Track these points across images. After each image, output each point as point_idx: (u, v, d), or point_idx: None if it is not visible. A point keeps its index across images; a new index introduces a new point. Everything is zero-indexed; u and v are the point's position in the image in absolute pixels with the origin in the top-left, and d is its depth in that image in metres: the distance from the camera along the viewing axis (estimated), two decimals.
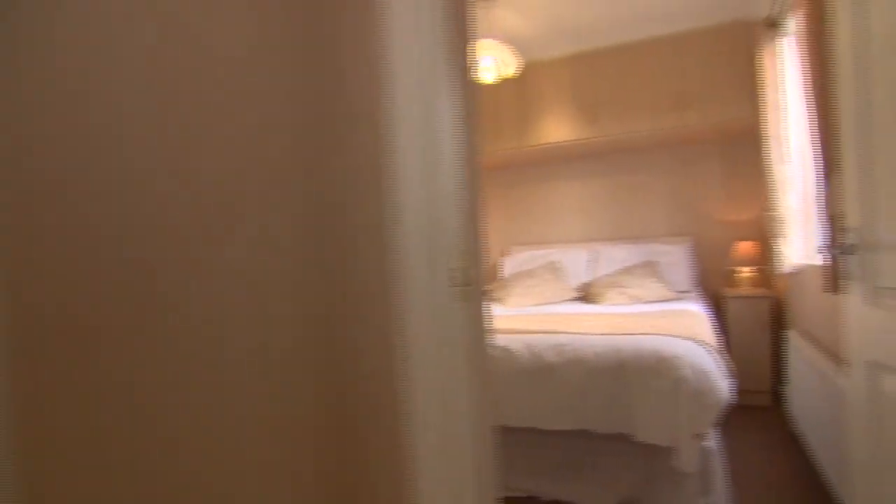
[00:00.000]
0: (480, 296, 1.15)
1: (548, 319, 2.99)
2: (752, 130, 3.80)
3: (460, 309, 1.01)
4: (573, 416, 2.26)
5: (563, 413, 2.28)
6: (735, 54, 3.66)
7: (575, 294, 4.01)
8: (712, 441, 2.18)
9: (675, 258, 4.02)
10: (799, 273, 2.98)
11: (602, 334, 2.40)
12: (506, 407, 2.35)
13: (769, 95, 2.95)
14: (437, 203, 0.94)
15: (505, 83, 4.35)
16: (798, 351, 2.78)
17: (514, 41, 3.96)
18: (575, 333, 2.44)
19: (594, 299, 3.76)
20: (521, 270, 4.30)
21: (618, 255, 4.17)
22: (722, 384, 2.09)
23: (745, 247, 3.83)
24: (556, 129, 4.19)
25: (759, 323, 3.57)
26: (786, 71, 2.99)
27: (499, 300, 3.99)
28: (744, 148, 4.05)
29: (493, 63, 3.48)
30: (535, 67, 4.27)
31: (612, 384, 2.18)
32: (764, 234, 3.92)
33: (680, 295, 3.71)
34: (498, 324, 2.92)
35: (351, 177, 0.99)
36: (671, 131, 3.90)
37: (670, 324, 2.55)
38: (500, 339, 2.45)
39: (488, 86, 4.40)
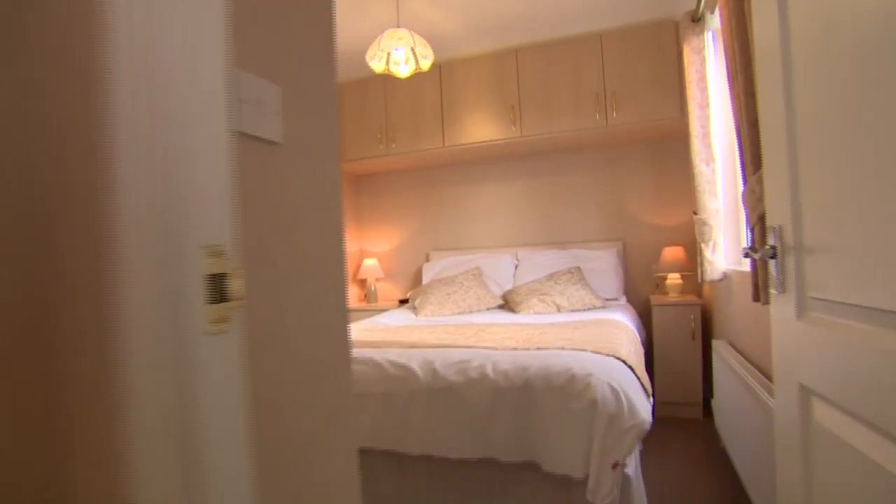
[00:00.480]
0: (243, 320, 0.76)
1: (456, 331, 2.68)
2: (680, 131, 3.64)
3: (217, 342, 0.66)
4: (478, 442, 1.94)
5: (467, 440, 1.96)
6: (661, 52, 3.49)
7: (498, 302, 3.74)
8: (631, 467, 1.92)
9: (603, 264, 3.81)
10: (725, 280, 2.80)
11: (511, 349, 2.10)
12: (403, 432, 2.01)
13: (694, 93, 2.76)
14: (178, 171, 0.60)
15: (424, 81, 4.05)
16: (725, 363, 2.58)
17: (432, 37, 3.66)
18: (481, 348, 2.14)
19: (515, 308, 3.49)
20: (443, 277, 4.00)
21: (543, 261, 3.92)
22: (643, 406, 1.83)
23: (674, 252, 3.66)
24: (478, 129, 3.92)
25: (688, 332, 3.38)
26: (709, 67, 2.82)
27: (414, 309, 3.67)
28: (673, 149, 3.89)
29: (407, 54, 3.17)
30: (456, 65, 3.99)
31: (520, 407, 1.88)
32: (694, 239, 3.76)
33: (606, 303, 3.49)
34: (399, 336, 2.59)
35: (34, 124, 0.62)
36: (596, 132, 3.69)
37: (588, 336, 2.29)
38: (395, 355, 2.13)
39: (406, 82, 4.10)
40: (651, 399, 1.95)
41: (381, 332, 2.78)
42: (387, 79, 4.14)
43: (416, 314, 3.59)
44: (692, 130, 2.75)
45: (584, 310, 3.36)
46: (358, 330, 2.93)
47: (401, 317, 3.52)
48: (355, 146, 4.27)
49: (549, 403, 1.83)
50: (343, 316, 1.13)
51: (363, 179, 4.86)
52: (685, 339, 3.38)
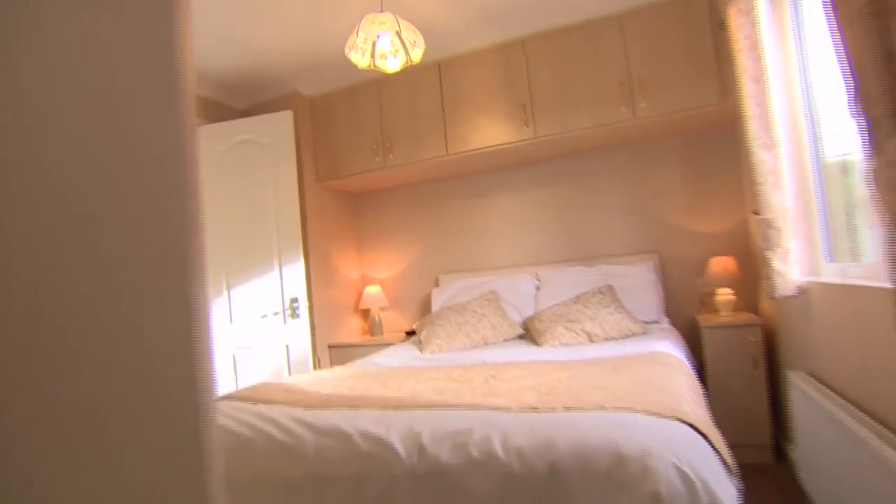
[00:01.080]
0: None
1: (462, 376, 2.06)
2: (722, 118, 3.00)
3: None
4: None
5: None
6: (692, 29, 2.87)
7: (517, 331, 3.11)
8: None
9: (638, 280, 3.17)
10: (803, 294, 2.14)
11: (529, 409, 1.48)
12: None
13: (746, 64, 2.15)
14: None
15: (421, 82, 3.50)
16: (811, 402, 1.91)
17: (427, 32, 3.12)
18: (487, 409, 1.52)
19: (537, 338, 2.85)
20: (454, 303, 3.40)
21: (568, 281, 3.29)
22: (728, 496, 1.19)
23: (722, 263, 2.99)
24: (486, 133, 3.34)
25: (748, 359, 2.71)
26: (763, 30, 2.19)
27: (419, 344, 3.07)
28: (713, 142, 3.24)
29: (393, 43, 2.62)
30: (456, 62, 3.43)
31: (543, 502, 1.26)
32: (746, 247, 3.10)
33: (646, 328, 2.83)
34: (390, 386, 1.98)
35: None
36: (622, 127, 3.07)
37: (634, 383, 1.65)
38: (372, 421, 1.52)
39: (401, 85, 3.56)
40: (736, 478, 1.31)
41: (367, 380, 2.18)
42: (380, 83, 3.60)
43: (420, 350, 2.98)
44: (746, 111, 2.12)
45: (620, 337, 2.71)
46: (342, 376, 2.34)
47: (402, 354, 2.92)
48: (349, 161, 3.72)
49: (587, 498, 1.20)
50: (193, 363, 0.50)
51: (361, 198, 4.31)
52: (744, 367, 2.71)
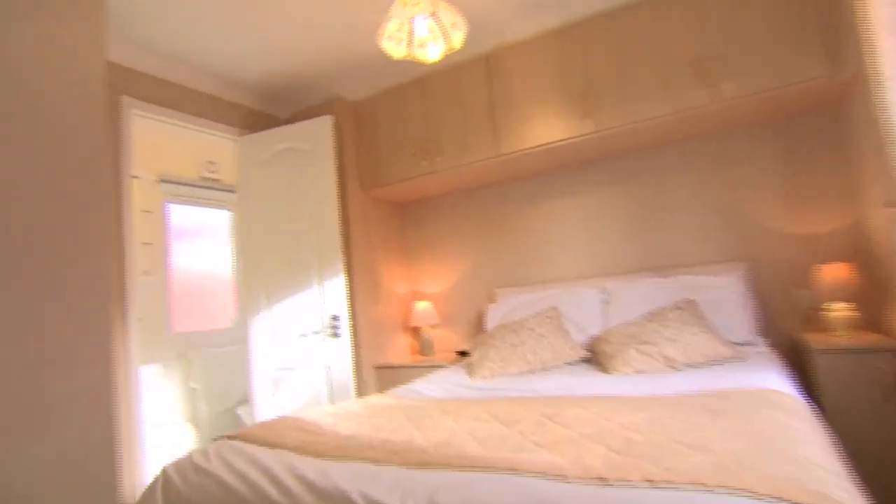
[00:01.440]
0: None
1: (511, 414, 1.63)
2: (824, 96, 2.46)
3: None
4: None
5: None
6: None
7: (581, 354, 2.65)
8: None
9: (725, 293, 2.63)
10: None
11: (593, 481, 1.05)
12: None
13: (881, 13, 1.64)
14: None
15: (469, 77, 3.14)
16: None
17: (474, 22, 2.78)
18: (533, 475, 1.10)
19: (606, 364, 2.39)
20: (510, 321, 2.98)
21: (641, 295, 2.80)
22: None
23: (834, 271, 2.43)
24: (540, 130, 2.92)
25: (877, 391, 2.13)
26: None
27: (470, 368, 2.67)
28: (812, 125, 2.68)
29: (431, 27, 2.28)
30: (505, 52, 3.04)
31: None
32: (866, 250, 2.50)
33: (739, 351, 2.29)
34: (424, 426, 1.58)
35: None
36: (696, 115, 2.57)
37: (743, 439, 1.18)
38: (386, 488, 1.14)
39: (448, 81, 3.21)
40: None
41: (399, 417, 1.80)
42: (425, 82, 3.28)
43: (470, 376, 2.58)
44: (883, 70, 1.60)
45: (707, 364, 2.21)
46: (374, 410, 1.98)
47: (448, 381, 2.53)
48: (394, 167, 3.40)
49: None
50: None
51: (409, 207, 3.98)
52: (872, 402, 2.13)
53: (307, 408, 3.08)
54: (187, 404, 4.08)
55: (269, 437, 1.67)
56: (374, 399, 2.27)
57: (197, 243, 4.57)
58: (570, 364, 2.61)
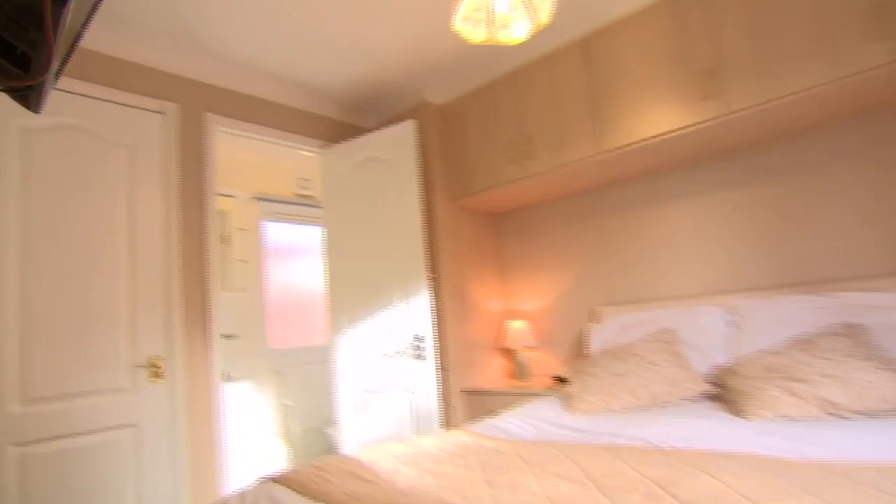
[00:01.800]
0: None
1: (613, 476, 1.23)
2: None
3: None
4: None
5: None
6: None
7: (703, 388, 2.14)
8: None
9: None
10: None
11: None
12: None
13: None
14: None
15: (564, 64, 2.77)
16: None
17: (570, 2, 2.43)
18: None
19: (737, 404, 1.86)
20: (614, 345, 2.54)
21: (780, 315, 2.23)
22: None
23: None
24: (650, 119, 2.46)
25: None
26: None
27: (568, 400, 2.26)
28: None
29: (513, 5, 1.96)
30: (605, 33, 2.63)
31: None
32: None
33: None
34: (487, 481, 1.22)
35: None
36: (871, 78, 1.98)
37: None
38: None
39: (537, 69, 2.86)
40: None
41: (472, 464, 1.46)
42: (518, 76, 2.96)
43: (567, 410, 2.18)
44: None
45: (886, 413, 1.63)
46: (445, 452, 1.66)
47: (540, 416, 2.14)
48: (483, 173, 3.09)
49: None
50: None
51: (503, 218, 3.64)
52: None
53: (386, 439, 2.84)
54: (279, 420, 4.03)
55: (316, 483, 1.41)
56: (452, 436, 1.94)
57: (294, 260, 4.56)
58: (689, 399, 2.11)
